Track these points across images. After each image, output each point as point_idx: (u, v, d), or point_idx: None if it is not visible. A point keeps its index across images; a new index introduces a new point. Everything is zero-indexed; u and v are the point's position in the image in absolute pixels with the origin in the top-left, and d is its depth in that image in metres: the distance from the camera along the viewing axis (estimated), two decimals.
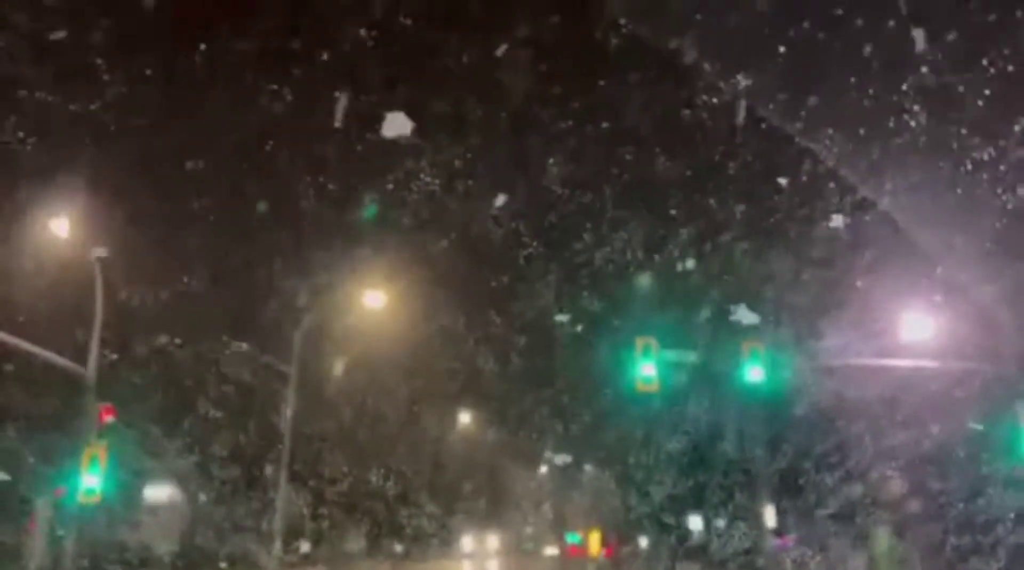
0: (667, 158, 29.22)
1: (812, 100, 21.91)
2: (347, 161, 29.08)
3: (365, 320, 31.81)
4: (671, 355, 24.47)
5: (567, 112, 28.35)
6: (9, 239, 26.05)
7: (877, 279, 26.28)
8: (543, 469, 52.41)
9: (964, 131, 21.56)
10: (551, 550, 54.92)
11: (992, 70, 19.94)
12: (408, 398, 37.69)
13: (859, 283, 27.16)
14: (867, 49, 20.98)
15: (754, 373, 23.62)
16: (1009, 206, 22.03)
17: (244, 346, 31.39)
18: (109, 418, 25.47)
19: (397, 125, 26.68)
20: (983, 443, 28.92)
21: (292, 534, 33.21)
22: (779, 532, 37.30)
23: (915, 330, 24.47)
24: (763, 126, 23.93)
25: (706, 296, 30.94)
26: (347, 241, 31.42)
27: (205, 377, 31.51)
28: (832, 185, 25.18)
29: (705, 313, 29.51)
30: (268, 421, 32.45)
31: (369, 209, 31.72)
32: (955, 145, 21.84)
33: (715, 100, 24.91)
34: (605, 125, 28.64)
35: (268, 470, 33.66)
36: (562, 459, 49.05)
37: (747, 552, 39.32)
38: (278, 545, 29.82)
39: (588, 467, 49.12)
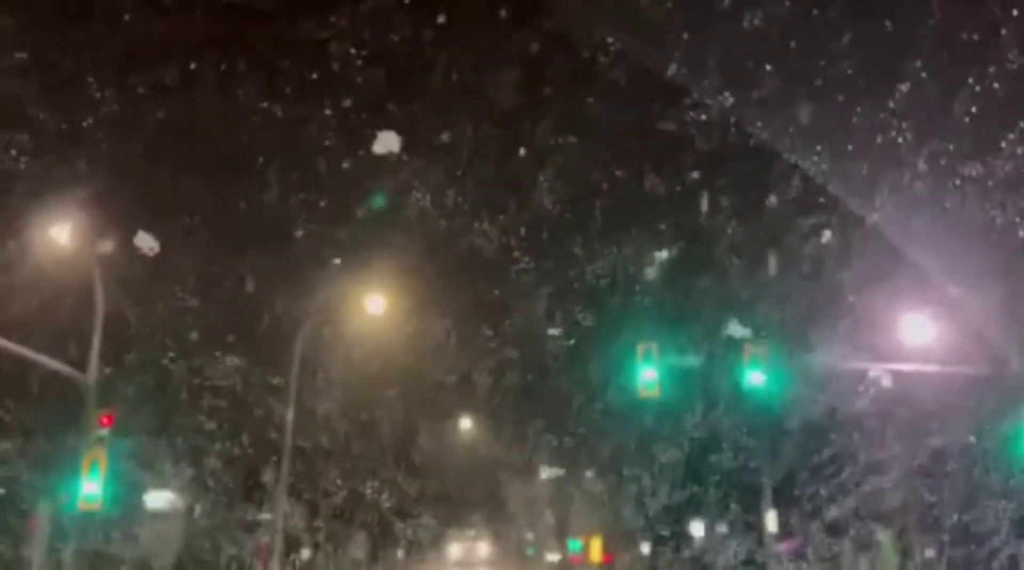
0: (656, 174, 29.33)
1: (800, 117, 21.96)
2: (337, 177, 29.16)
3: (357, 334, 31.92)
4: (672, 360, 24.55)
5: (556, 128, 28.45)
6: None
7: (867, 294, 26.34)
8: (543, 476, 52.48)
9: (952, 147, 21.62)
10: (552, 557, 55.00)
11: (979, 87, 19.97)
12: (402, 411, 37.79)
13: (849, 298, 27.24)
14: (855, 66, 21.01)
15: (755, 378, 23.71)
16: (998, 221, 22.08)
17: (236, 360, 31.52)
18: (109, 423, 25.58)
19: (387, 142, 26.78)
20: (979, 454, 28.98)
21: (289, 546, 33.27)
22: (782, 538, 37.33)
23: (911, 337, 24.57)
24: (751, 142, 23.98)
25: (697, 311, 31.01)
26: (338, 256, 31.52)
27: (199, 389, 31.60)
28: (821, 200, 25.26)
29: (696, 327, 29.57)
30: (262, 433, 32.55)
31: (377, 199, 31.82)
32: (943, 161, 21.90)
33: (703, 117, 24.99)
34: (594, 141, 28.72)
35: (264, 482, 33.78)
36: (558, 469, 49.20)
37: (750, 558, 39.34)
38: (277, 556, 29.88)
39: (588, 475, 49.20)
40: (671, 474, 40.03)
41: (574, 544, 53.44)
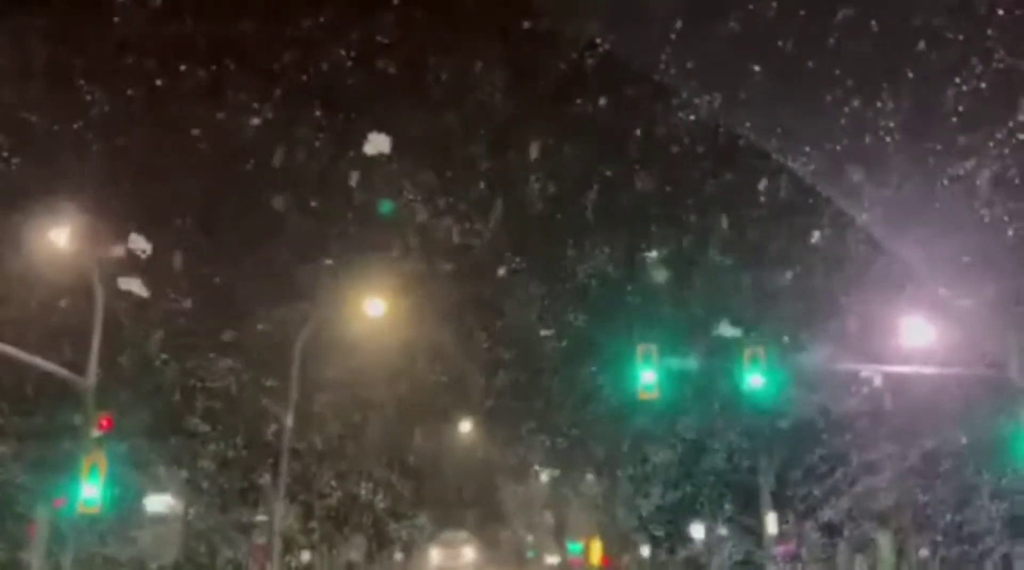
0: (645, 175, 29.38)
1: (788, 118, 22.01)
2: (330, 179, 29.23)
3: (351, 336, 31.95)
4: (671, 362, 24.56)
5: (546, 129, 28.50)
6: None
7: (858, 294, 26.41)
8: (541, 478, 52.48)
9: (940, 147, 21.68)
10: (551, 559, 54.99)
11: (965, 87, 20.04)
12: (397, 412, 37.79)
13: (840, 298, 27.29)
14: (842, 67, 21.08)
15: (754, 380, 23.71)
16: (986, 220, 22.13)
17: (230, 362, 31.56)
18: (108, 426, 25.60)
19: (378, 143, 26.84)
20: (971, 454, 29.01)
21: (285, 547, 33.28)
22: (781, 540, 37.36)
23: (902, 337, 24.61)
24: (740, 143, 24.05)
25: (687, 311, 31.06)
26: (330, 258, 31.59)
27: (194, 392, 31.64)
28: (810, 201, 25.30)
29: (687, 328, 29.63)
30: (258, 435, 32.58)
31: (385, 206, 31.89)
32: (932, 161, 21.95)
33: (692, 117, 25.07)
34: (584, 142, 28.79)
35: (259, 484, 33.81)
36: (555, 470, 49.21)
37: (748, 560, 39.37)
38: (275, 557, 29.92)
39: (587, 476, 49.20)
40: (668, 475, 40.06)
41: (574, 546, 53.42)
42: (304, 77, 26.97)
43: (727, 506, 39.52)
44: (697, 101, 23.73)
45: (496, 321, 36.34)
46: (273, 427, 31.06)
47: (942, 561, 32.22)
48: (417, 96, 27.21)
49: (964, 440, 28.49)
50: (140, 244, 27.03)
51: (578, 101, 27.05)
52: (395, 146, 26.99)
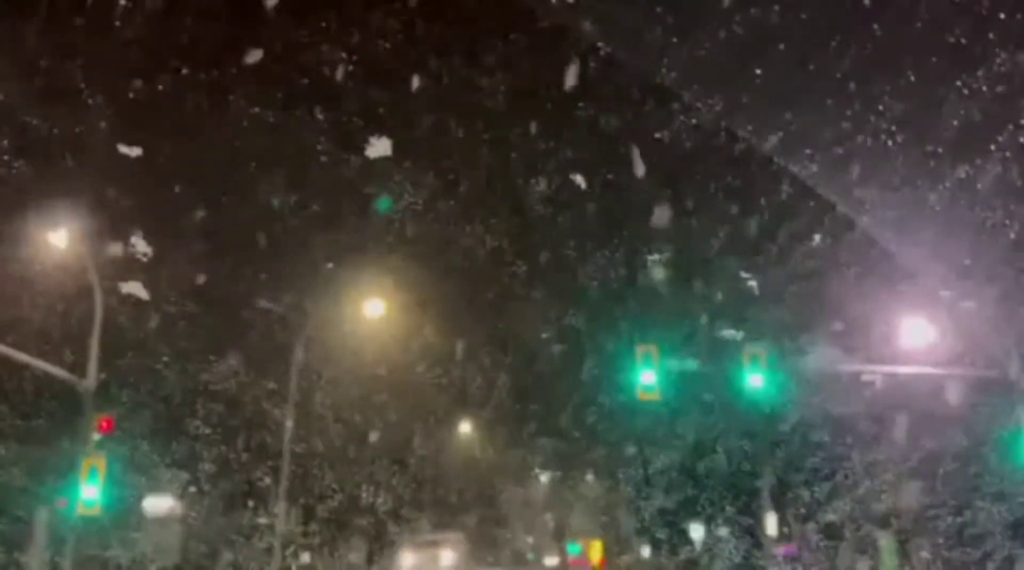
0: (646, 178, 29.36)
1: (789, 121, 22.03)
2: (330, 182, 29.22)
3: (352, 338, 31.97)
4: (671, 363, 24.54)
5: (547, 133, 28.49)
6: None
7: (858, 296, 26.39)
8: (541, 479, 52.41)
9: (941, 150, 21.68)
10: (550, 560, 54.90)
11: (967, 91, 20.05)
12: (397, 414, 37.73)
13: (841, 299, 27.28)
14: (844, 70, 21.10)
15: (754, 381, 23.70)
16: (987, 223, 22.14)
17: (231, 364, 31.55)
18: (108, 428, 25.59)
19: (379, 146, 26.85)
20: (973, 456, 29.01)
21: (285, 549, 33.27)
22: (782, 541, 37.33)
23: (903, 339, 24.60)
24: (742, 146, 24.05)
25: (689, 314, 31.05)
26: (332, 260, 31.57)
27: (195, 394, 31.63)
28: (811, 204, 25.31)
29: (689, 330, 29.64)
30: (259, 438, 32.57)
31: (381, 203, 31.88)
32: (932, 164, 21.96)
33: (693, 121, 25.07)
34: (586, 145, 28.79)
35: (260, 486, 33.79)
36: (555, 472, 49.13)
37: (748, 561, 39.34)
38: (277, 559, 29.92)
39: (587, 478, 49.15)
40: (669, 477, 40.04)
41: (573, 547, 53.32)
42: (306, 80, 26.98)
43: (727, 507, 39.47)
44: (698, 105, 23.74)
45: (497, 323, 36.33)
46: (274, 429, 31.06)
47: (944, 563, 32.19)
48: (419, 99, 27.22)
49: (965, 442, 28.51)
50: (141, 247, 27.09)
51: (580, 104, 27.07)
52: (396, 148, 27.04)
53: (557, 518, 53.03)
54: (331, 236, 30.81)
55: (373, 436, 36.77)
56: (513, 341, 37.38)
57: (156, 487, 32.76)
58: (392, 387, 35.93)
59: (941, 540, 31.90)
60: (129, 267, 27.79)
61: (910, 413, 28.05)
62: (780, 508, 36.63)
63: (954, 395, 26.22)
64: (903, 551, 33.50)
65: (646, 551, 47.41)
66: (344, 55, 26.07)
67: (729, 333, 28.26)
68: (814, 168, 22.63)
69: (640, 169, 28.79)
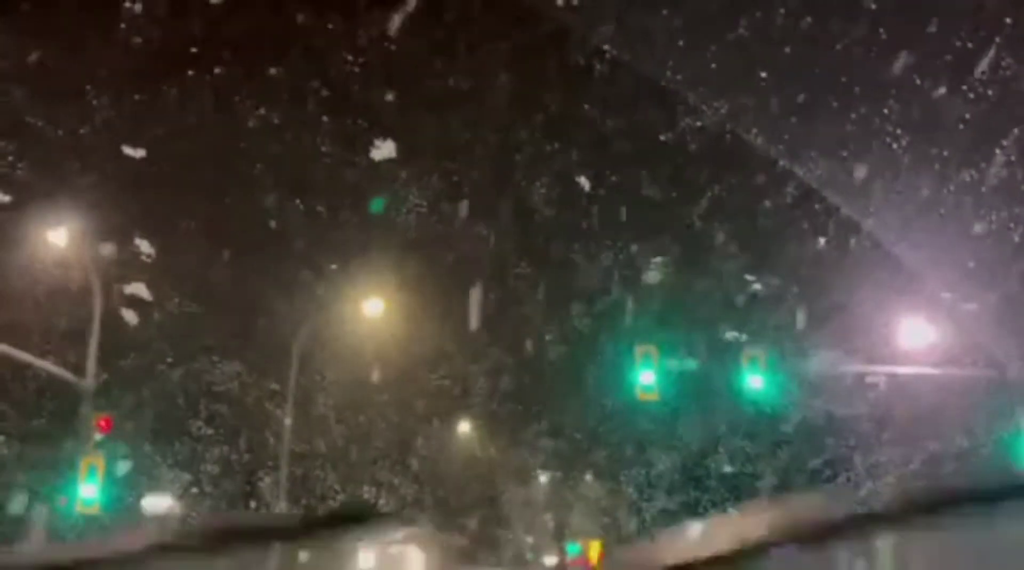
0: (652, 180, 29.39)
1: (795, 123, 22.05)
2: (334, 183, 29.20)
3: (354, 338, 31.97)
4: (670, 363, 24.57)
5: (553, 135, 28.50)
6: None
7: (863, 298, 26.43)
8: (541, 479, 52.39)
9: (946, 153, 21.71)
10: (549, 560, 54.88)
11: (972, 95, 20.08)
12: (399, 415, 37.72)
13: (845, 301, 27.32)
14: (849, 73, 21.12)
15: (753, 381, 23.74)
16: (992, 226, 22.17)
17: (233, 365, 31.55)
18: (107, 428, 25.58)
19: (383, 147, 26.82)
20: (975, 457, 29.05)
21: None
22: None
23: (906, 341, 24.65)
24: (747, 148, 24.05)
25: (693, 315, 31.07)
26: (335, 261, 31.56)
27: (196, 394, 31.62)
28: (816, 206, 25.34)
29: (692, 331, 29.66)
30: (260, 438, 32.56)
31: (374, 203, 31.86)
32: (937, 167, 21.98)
33: (699, 123, 25.07)
34: (590, 148, 28.79)
35: (261, 486, 33.77)
36: (556, 472, 49.10)
37: None
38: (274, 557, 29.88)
39: (588, 478, 49.16)
40: (669, 477, 40.08)
41: (572, 548, 53.35)
42: (310, 81, 26.96)
43: (729, 509, 39.53)
44: (704, 107, 23.76)
45: (499, 324, 36.31)
46: (275, 430, 31.05)
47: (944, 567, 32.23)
48: (424, 102, 27.22)
49: (966, 443, 28.55)
50: (144, 248, 27.07)
51: (585, 106, 27.09)
52: (400, 150, 27.02)
53: (557, 518, 53.02)
54: (334, 237, 30.82)
55: (375, 437, 36.78)
56: (515, 342, 37.36)
57: (157, 486, 32.75)
58: (394, 388, 35.92)
59: (943, 544, 31.97)
60: (131, 268, 27.76)
61: (911, 414, 28.09)
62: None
63: (956, 397, 26.29)
64: (901, 554, 33.57)
65: None
66: (350, 57, 26.07)
67: (731, 335, 28.28)
68: (819, 171, 22.66)
69: (645, 171, 28.84)
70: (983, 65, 20.52)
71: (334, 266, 31.53)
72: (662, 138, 26.71)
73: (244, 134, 27.49)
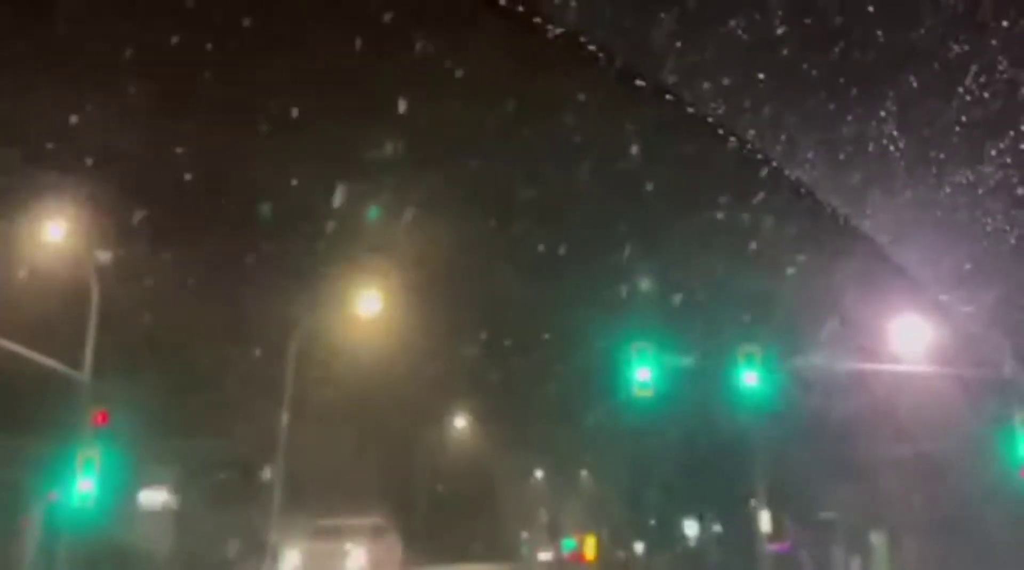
0: (646, 182, 29.41)
1: (791, 126, 21.98)
2: (332, 182, 29.20)
3: (351, 337, 32.04)
4: (666, 360, 24.67)
5: (547, 135, 28.48)
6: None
7: (858, 298, 26.49)
8: (537, 475, 52.55)
9: (943, 156, 21.63)
10: (544, 555, 55.11)
11: (969, 97, 19.99)
12: (395, 411, 37.86)
13: (839, 302, 27.39)
14: (846, 76, 21.03)
15: (749, 378, 23.85)
16: (988, 228, 22.13)
17: (230, 361, 31.63)
18: (104, 422, 25.66)
19: (382, 146, 26.82)
20: (966, 455, 29.20)
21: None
22: (775, 537, 37.55)
23: (902, 342, 24.74)
24: (743, 150, 23.98)
25: (689, 314, 31.17)
26: (333, 260, 31.58)
27: (193, 390, 31.69)
28: (813, 208, 25.30)
29: (689, 330, 29.79)
30: (256, 434, 32.62)
31: (372, 211, 31.93)
32: (934, 169, 21.90)
33: (695, 125, 24.97)
34: (584, 149, 28.80)
35: (257, 483, 33.86)
36: (551, 468, 49.30)
37: (743, 557, 39.57)
38: (271, 557, 30.00)
39: (584, 474, 49.35)
40: (664, 473, 40.24)
41: (568, 543, 53.57)
42: (305, 81, 26.92)
43: (722, 504, 39.71)
44: (700, 109, 23.65)
45: (498, 322, 36.43)
46: (270, 426, 31.14)
47: (937, 562, 32.41)
48: (423, 105, 27.19)
49: (962, 441, 28.70)
50: (144, 245, 27.09)
51: (579, 107, 27.04)
52: (397, 149, 26.97)
53: (552, 514, 53.24)
54: (335, 236, 30.84)
55: (371, 433, 36.87)
56: (512, 339, 37.46)
57: (153, 481, 32.86)
58: (390, 385, 36.01)
59: (935, 539, 32.11)
60: (130, 263, 27.78)
61: (906, 413, 28.22)
62: (774, 506, 36.82)
63: (950, 396, 26.42)
64: (896, 549, 33.71)
65: (640, 547, 47.67)
66: (348, 57, 25.99)
67: (728, 333, 28.40)
68: (815, 173, 22.61)
69: (639, 172, 28.86)
70: (981, 67, 20.47)
71: (332, 264, 31.61)
72: (659, 139, 26.69)
73: (241, 132, 27.52)
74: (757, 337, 27.92)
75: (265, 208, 29.95)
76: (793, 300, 29.06)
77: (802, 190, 23.97)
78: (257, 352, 32.30)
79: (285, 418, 29.52)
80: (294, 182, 29.33)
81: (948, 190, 23.07)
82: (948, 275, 22.76)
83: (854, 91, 21.87)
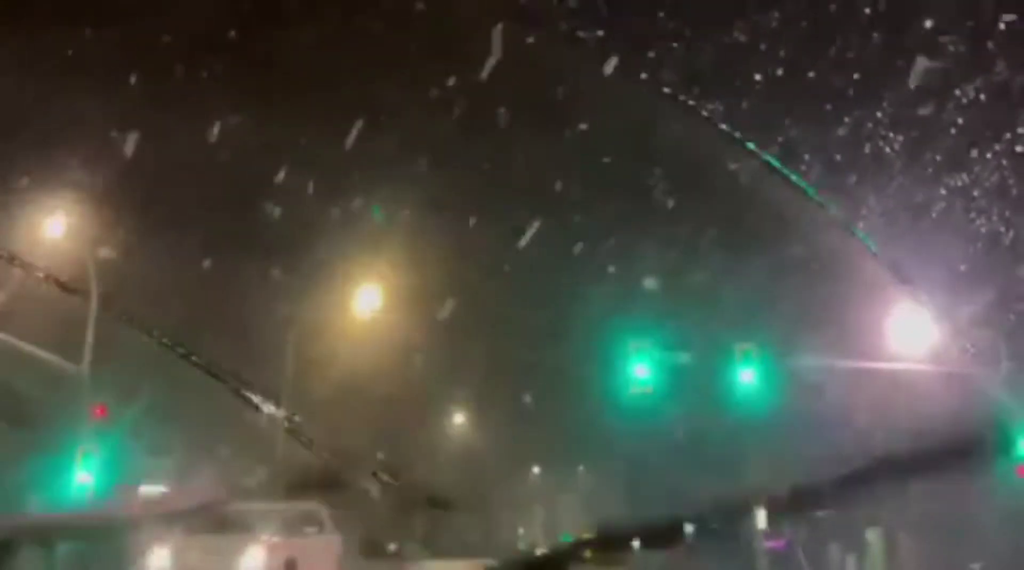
0: (644, 183, 29.56)
1: (788, 127, 22.17)
2: (331, 183, 29.32)
3: (349, 333, 32.11)
4: (663, 358, 24.80)
5: (544, 136, 28.62)
6: None
7: (854, 298, 26.60)
8: (534, 470, 52.70)
9: (938, 158, 21.84)
10: (540, 552, 55.11)
11: (964, 100, 20.18)
12: (392, 408, 37.95)
13: (836, 302, 27.49)
14: (843, 78, 21.23)
15: (745, 376, 23.98)
16: (982, 230, 22.36)
17: (228, 358, 31.65)
18: (102, 415, 25.76)
19: (381, 144, 26.96)
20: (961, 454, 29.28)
21: None
22: (770, 535, 37.64)
23: (898, 342, 24.89)
24: (740, 152, 24.14)
25: (686, 314, 31.28)
26: (331, 259, 31.67)
27: (193, 386, 31.72)
28: (809, 209, 25.45)
29: (686, 331, 29.88)
30: (253, 432, 32.70)
31: (374, 210, 32.02)
32: (930, 171, 22.13)
33: (693, 126, 25.11)
34: (582, 150, 28.95)
35: (255, 481, 33.93)
36: (548, 464, 49.44)
37: (739, 554, 39.69)
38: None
39: (580, 470, 49.50)
40: (660, 469, 40.34)
41: (566, 538, 53.72)
42: (304, 80, 27.05)
43: (718, 501, 39.81)
44: (698, 110, 23.80)
45: (496, 320, 36.57)
46: (266, 422, 31.18)
47: (932, 559, 32.51)
48: (417, 102, 27.31)
49: (955, 441, 28.75)
50: (143, 241, 27.18)
51: (578, 109, 27.21)
52: (396, 148, 27.10)
53: (548, 510, 53.39)
54: (334, 235, 30.97)
55: (368, 430, 36.97)
56: (510, 336, 37.60)
57: (152, 476, 32.92)
58: (387, 381, 36.10)
59: (931, 537, 32.21)
60: (129, 260, 27.86)
61: (902, 410, 28.33)
62: (770, 503, 36.96)
63: (947, 394, 26.53)
64: (891, 547, 33.83)
65: (636, 543, 47.90)
66: (346, 56, 26.14)
67: (725, 333, 28.51)
68: (812, 175, 22.81)
69: (637, 175, 29.02)
70: (978, 70, 20.62)
71: (330, 261, 31.71)
72: (657, 140, 26.82)
73: (239, 131, 27.62)
74: (753, 335, 28.04)
75: (265, 208, 30.14)
76: (789, 299, 29.18)
77: (800, 190, 24.15)
78: (253, 347, 32.40)
79: (283, 413, 29.59)
80: (296, 181, 29.50)
81: (943, 192, 23.33)
82: (944, 275, 22.99)
83: (851, 92, 22.13)
